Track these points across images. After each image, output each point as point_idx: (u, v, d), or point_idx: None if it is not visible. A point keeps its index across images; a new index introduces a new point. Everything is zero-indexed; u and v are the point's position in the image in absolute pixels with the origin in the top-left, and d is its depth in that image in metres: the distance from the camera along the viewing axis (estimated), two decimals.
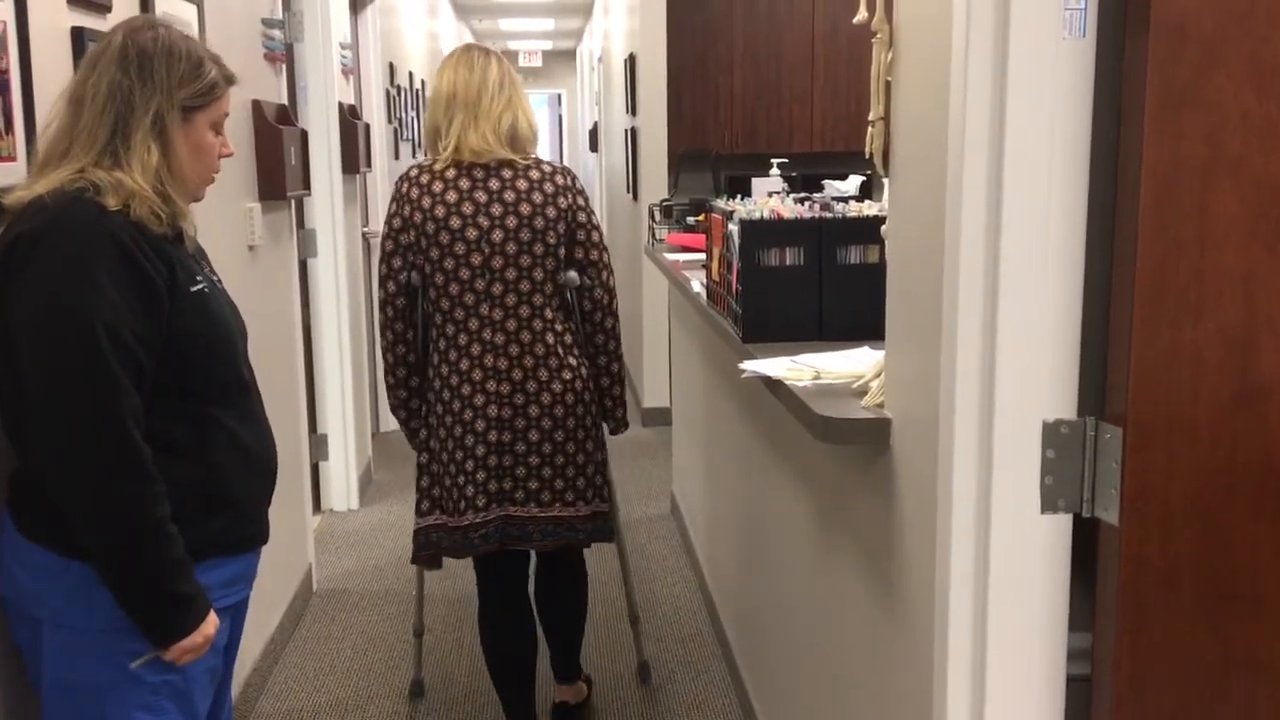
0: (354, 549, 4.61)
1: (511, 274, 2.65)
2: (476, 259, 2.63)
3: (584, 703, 3.23)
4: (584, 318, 2.80)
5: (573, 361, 2.74)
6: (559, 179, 2.70)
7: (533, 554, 2.97)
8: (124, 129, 1.75)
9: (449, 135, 2.64)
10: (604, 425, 2.90)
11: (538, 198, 2.65)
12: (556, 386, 2.70)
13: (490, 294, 2.66)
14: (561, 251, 2.69)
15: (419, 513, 2.82)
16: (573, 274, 2.76)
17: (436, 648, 3.70)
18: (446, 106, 2.65)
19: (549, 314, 2.70)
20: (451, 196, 2.62)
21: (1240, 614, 1.40)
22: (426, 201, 2.63)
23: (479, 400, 2.67)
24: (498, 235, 2.63)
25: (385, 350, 2.78)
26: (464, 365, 2.68)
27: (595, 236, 2.75)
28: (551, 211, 2.66)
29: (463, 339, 2.68)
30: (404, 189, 2.67)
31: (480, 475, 2.68)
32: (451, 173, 2.64)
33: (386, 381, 2.83)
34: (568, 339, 2.74)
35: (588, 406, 2.76)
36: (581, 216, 2.72)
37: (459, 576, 4.23)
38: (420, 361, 2.77)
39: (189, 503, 1.77)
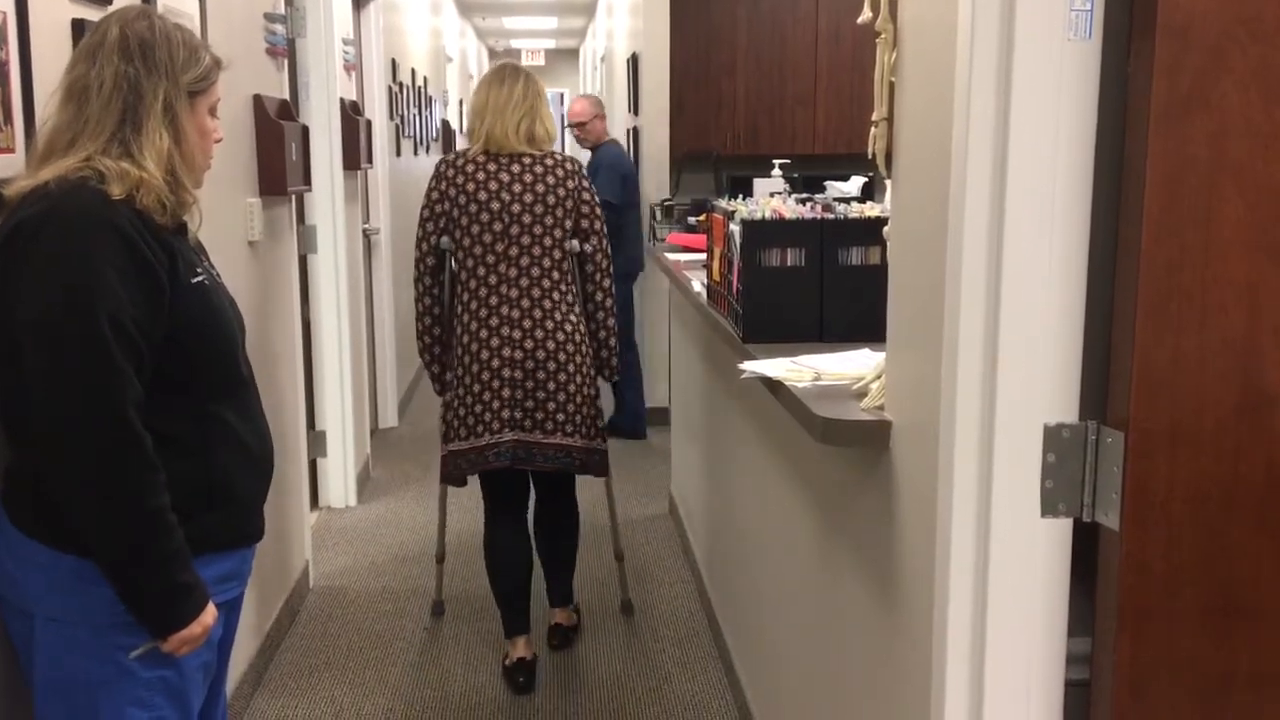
0: (351, 546, 4.61)
1: (526, 240, 3.21)
2: (498, 226, 3.20)
3: (575, 626, 3.72)
4: (586, 278, 3.35)
5: (572, 318, 3.28)
6: (567, 165, 3.28)
7: (532, 493, 3.50)
8: (134, 117, 1.76)
9: (481, 132, 3.26)
10: (599, 375, 3.43)
11: (551, 180, 3.22)
12: (560, 336, 3.23)
13: (508, 255, 3.21)
14: (568, 223, 3.25)
15: (445, 440, 3.34)
16: (575, 242, 3.30)
17: (433, 645, 3.69)
18: (481, 112, 3.27)
19: (555, 275, 3.24)
20: (481, 176, 3.21)
21: (1242, 624, 1.40)
22: (460, 179, 3.22)
23: (495, 343, 3.21)
24: (516, 208, 3.20)
25: (416, 300, 3.35)
26: (483, 313, 3.22)
27: (596, 212, 3.32)
28: (561, 191, 3.23)
29: (483, 291, 3.23)
30: (443, 169, 3.26)
31: (496, 404, 3.22)
32: (482, 158, 3.24)
33: (417, 329, 3.40)
34: (568, 299, 3.28)
35: (584, 356, 3.29)
36: (585, 195, 3.28)
37: (456, 576, 4.23)
38: (445, 312, 3.35)
39: (186, 497, 1.76)
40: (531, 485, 3.52)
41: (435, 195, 3.26)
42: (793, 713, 2.60)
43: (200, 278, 1.83)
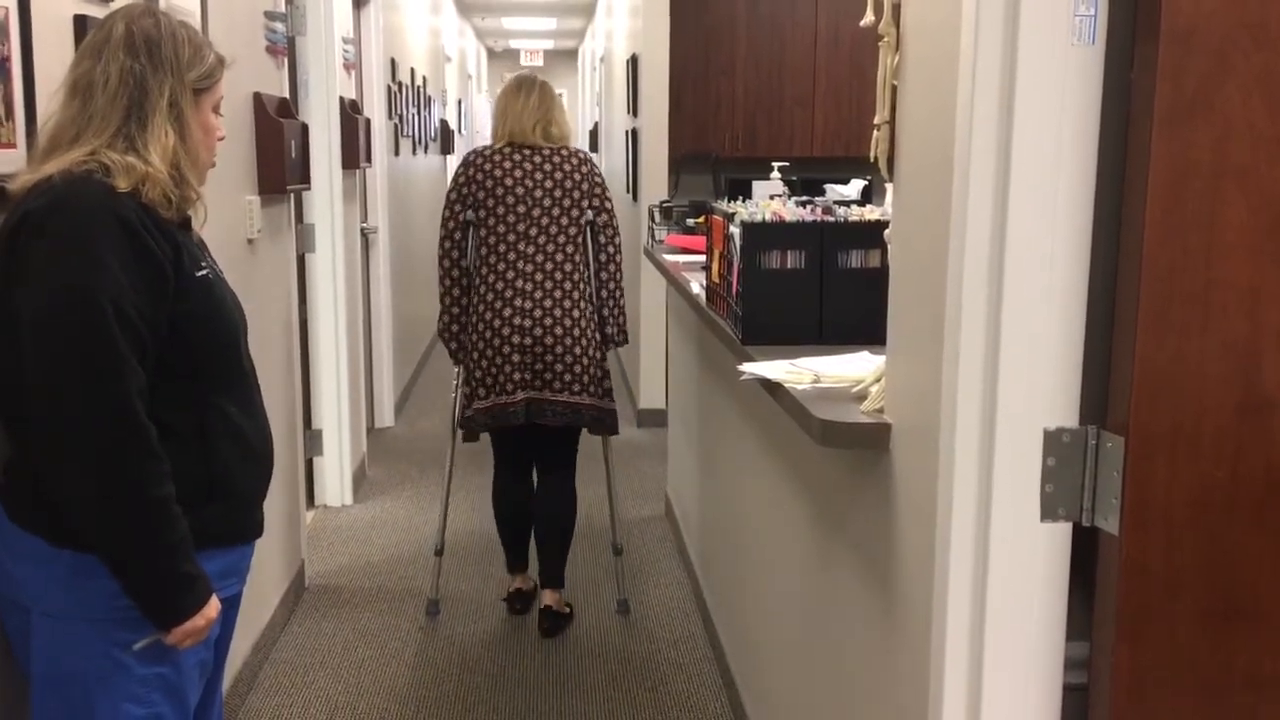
0: (347, 545, 4.60)
1: (545, 220, 3.62)
2: (521, 208, 3.61)
3: (566, 615, 3.86)
4: (599, 248, 3.73)
5: (582, 287, 3.66)
6: (579, 155, 3.74)
7: (537, 449, 3.81)
8: (139, 113, 1.76)
9: (503, 131, 3.70)
10: (605, 344, 3.75)
11: (567, 167, 3.66)
12: (567, 303, 3.61)
13: (527, 234, 3.61)
14: (584, 203, 3.67)
15: (466, 403, 3.70)
16: (590, 213, 3.69)
17: (428, 645, 3.69)
18: (503, 116, 3.72)
19: (569, 249, 3.64)
20: (507, 165, 3.64)
21: (1242, 628, 1.40)
22: (488, 166, 3.64)
23: (507, 312, 3.58)
24: (539, 192, 3.62)
25: (443, 275, 3.70)
26: (500, 285, 3.60)
27: (606, 192, 3.74)
28: (577, 175, 3.66)
29: (502, 266, 3.61)
30: (472, 158, 3.70)
31: (508, 368, 3.59)
32: (507, 149, 3.67)
33: (442, 302, 3.72)
34: (577, 274, 3.65)
35: (590, 321, 3.67)
36: (596, 179, 3.73)
37: (453, 575, 4.22)
38: (470, 283, 3.69)
39: (186, 491, 1.75)
40: (535, 467, 3.83)
41: (463, 179, 3.66)
42: (788, 716, 2.60)
43: (204, 271, 1.83)
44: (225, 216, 3.12)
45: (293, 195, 4.03)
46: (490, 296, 3.60)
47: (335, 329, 4.95)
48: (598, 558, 4.41)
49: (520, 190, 3.60)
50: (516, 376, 3.58)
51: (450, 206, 3.67)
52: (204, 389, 1.83)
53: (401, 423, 6.59)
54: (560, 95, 3.88)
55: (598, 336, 3.70)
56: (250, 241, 3.41)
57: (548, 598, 3.82)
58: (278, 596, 3.75)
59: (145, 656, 1.76)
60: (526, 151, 3.64)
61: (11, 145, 1.94)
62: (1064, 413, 1.44)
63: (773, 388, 2.08)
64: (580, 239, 3.66)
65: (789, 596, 2.55)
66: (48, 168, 1.72)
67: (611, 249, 3.74)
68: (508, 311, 3.57)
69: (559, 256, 3.61)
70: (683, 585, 4.18)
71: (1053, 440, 1.44)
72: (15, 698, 1.90)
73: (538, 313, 3.57)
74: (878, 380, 1.86)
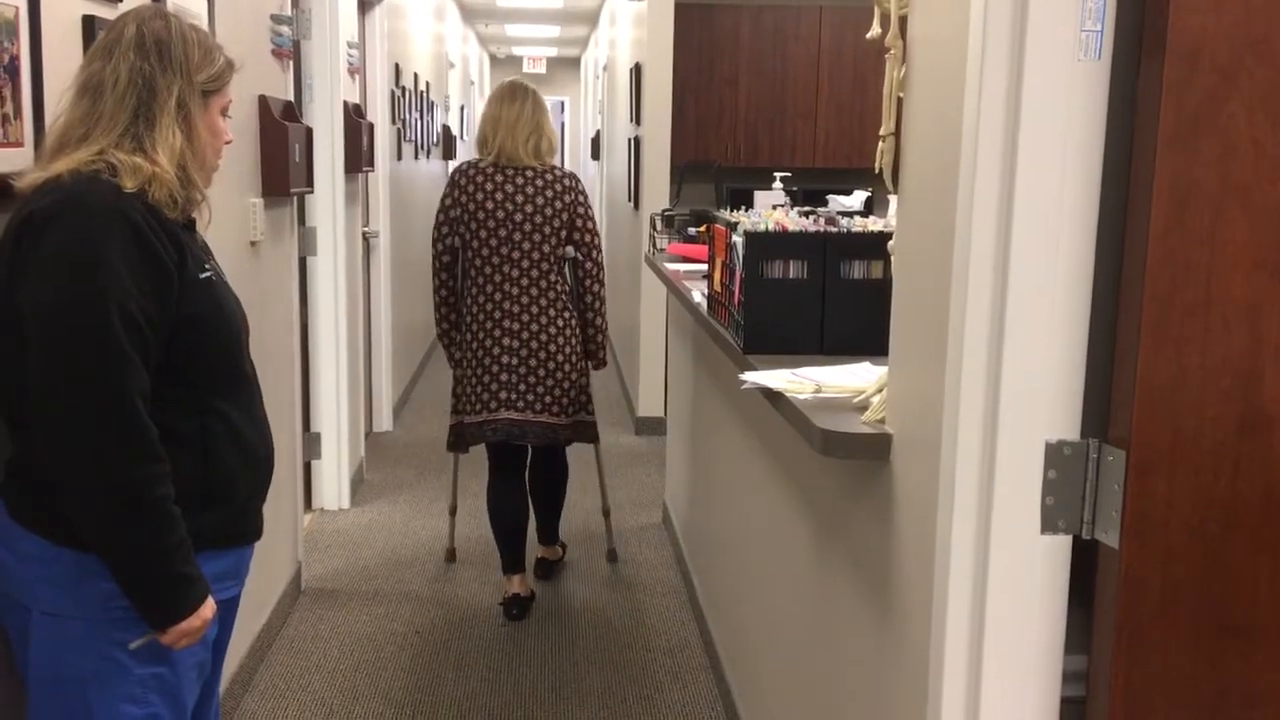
0: (344, 549, 4.60)
1: (526, 245, 3.72)
2: (502, 231, 3.71)
3: (558, 561, 4.33)
4: (579, 281, 3.88)
5: (565, 312, 3.80)
6: (565, 181, 3.77)
7: (529, 450, 4.02)
8: (147, 113, 1.77)
9: (494, 145, 3.75)
10: (587, 362, 3.93)
11: (549, 193, 3.73)
12: (551, 329, 3.76)
13: (510, 257, 3.73)
14: (563, 233, 3.76)
15: (453, 413, 3.91)
16: (570, 249, 3.82)
17: (424, 650, 3.69)
18: (494, 126, 3.77)
19: (551, 276, 3.77)
20: (489, 186, 3.72)
21: (1239, 644, 1.40)
22: (472, 188, 3.73)
23: (495, 333, 3.75)
24: (519, 216, 3.71)
25: (435, 291, 3.89)
26: (488, 307, 3.75)
27: (589, 224, 3.83)
28: (558, 203, 3.73)
29: (489, 288, 3.75)
30: (457, 178, 3.77)
31: (494, 386, 3.76)
32: (491, 169, 3.74)
33: (439, 311, 3.92)
34: (560, 296, 3.79)
35: (573, 346, 3.82)
36: (580, 209, 3.79)
37: (452, 580, 4.22)
38: (458, 300, 3.87)
39: (185, 494, 1.76)
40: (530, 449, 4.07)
41: (449, 200, 3.77)
42: None
43: (208, 273, 1.84)
44: (229, 219, 3.12)
45: (295, 198, 4.03)
46: (480, 316, 3.76)
47: (335, 332, 4.95)
48: (593, 565, 4.41)
49: (501, 214, 3.70)
50: (503, 395, 3.74)
51: (438, 228, 3.79)
52: (205, 392, 1.83)
53: (400, 427, 6.59)
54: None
55: (584, 358, 3.86)
56: (253, 244, 3.42)
57: (542, 551, 4.25)
58: (274, 599, 3.75)
59: (143, 657, 1.77)
60: (510, 173, 3.71)
61: (19, 144, 1.94)
62: (1065, 425, 1.45)
63: (774, 397, 2.09)
64: (561, 265, 3.78)
65: (787, 606, 2.56)
66: (56, 166, 1.72)
67: (589, 281, 3.86)
68: (497, 331, 3.73)
69: (543, 283, 3.74)
70: (679, 593, 4.18)
71: (1054, 453, 1.45)
72: (12, 698, 1.90)
73: (525, 334, 3.73)
74: (879, 391, 1.87)
